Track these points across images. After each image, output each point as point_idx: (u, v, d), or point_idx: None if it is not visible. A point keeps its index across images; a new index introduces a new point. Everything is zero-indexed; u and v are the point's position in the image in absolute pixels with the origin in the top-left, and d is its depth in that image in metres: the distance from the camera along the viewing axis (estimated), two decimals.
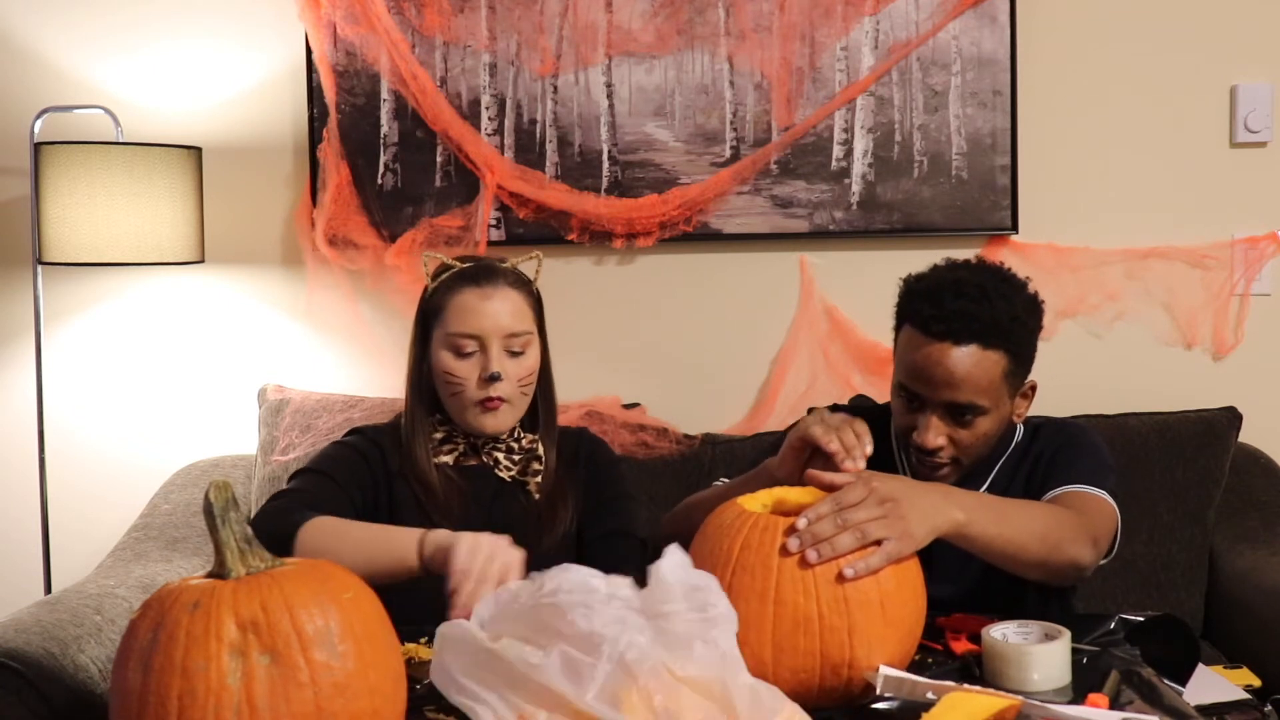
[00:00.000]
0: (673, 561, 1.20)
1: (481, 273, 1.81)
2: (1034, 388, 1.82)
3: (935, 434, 1.71)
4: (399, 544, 1.51)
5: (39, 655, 1.92)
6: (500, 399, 1.77)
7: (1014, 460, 1.84)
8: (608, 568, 1.68)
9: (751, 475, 1.73)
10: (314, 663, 1.09)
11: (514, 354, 1.79)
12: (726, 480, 1.93)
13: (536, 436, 1.85)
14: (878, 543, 1.36)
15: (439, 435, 1.83)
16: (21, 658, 1.90)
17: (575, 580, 1.18)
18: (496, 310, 1.78)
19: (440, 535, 1.49)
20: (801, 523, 1.35)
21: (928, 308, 1.71)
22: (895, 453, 1.86)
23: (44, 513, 2.64)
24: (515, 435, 1.83)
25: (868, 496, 1.39)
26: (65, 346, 2.82)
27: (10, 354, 2.84)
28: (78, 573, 2.55)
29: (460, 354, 1.78)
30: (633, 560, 1.72)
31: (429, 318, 1.83)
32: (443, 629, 1.20)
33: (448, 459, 1.83)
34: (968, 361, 1.68)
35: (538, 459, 1.83)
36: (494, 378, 1.75)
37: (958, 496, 1.52)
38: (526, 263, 1.89)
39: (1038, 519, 1.60)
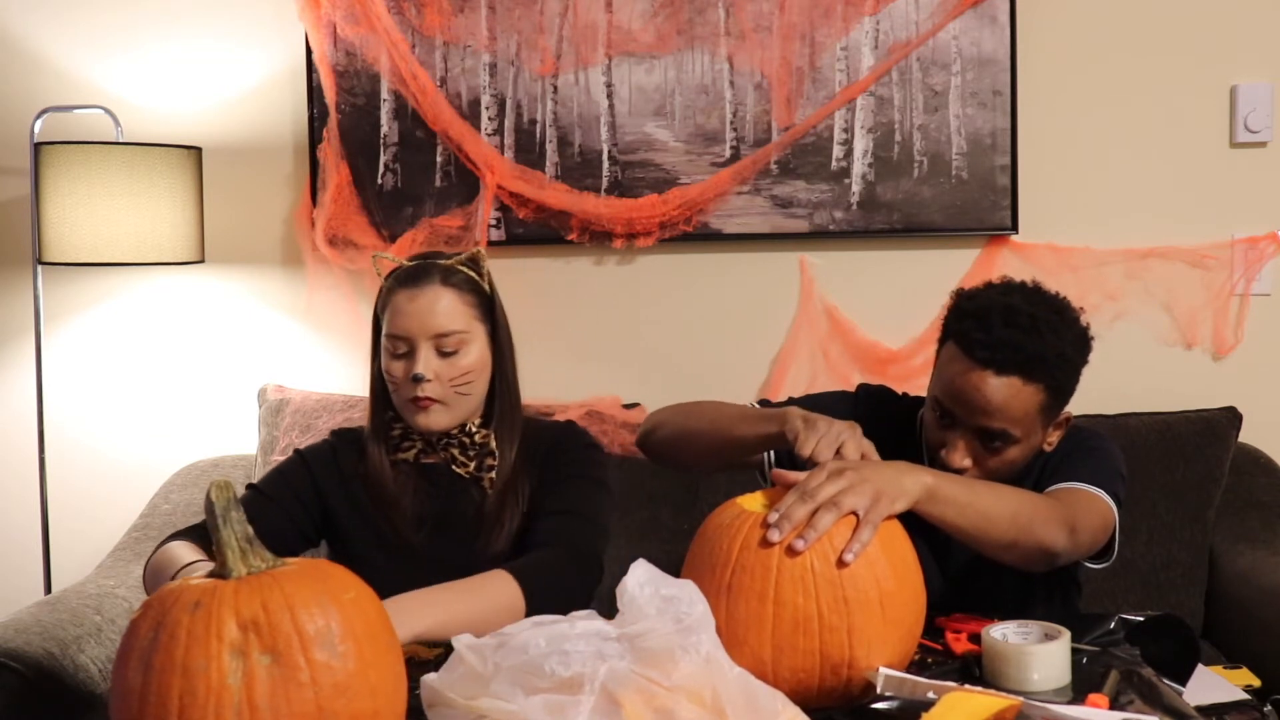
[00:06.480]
0: (638, 578, 1.19)
1: (413, 274, 1.81)
2: (1069, 419, 1.78)
3: (962, 456, 1.69)
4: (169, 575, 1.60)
5: (39, 655, 1.93)
6: (429, 399, 1.77)
7: (1030, 465, 1.83)
8: (533, 545, 1.70)
9: (771, 414, 1.70)
10: (315, 663, 1.09)
11: (445, 354, 1.78)
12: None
13: (490, 432, 1.85)
14: (856, 516, 1.37)
15: (397, 433, 1.85)
16: (21, 658, 1.90)
17: (544, 632, 1.16)
18: (423, 310, 1.77)
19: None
20: (773, 517, 1.36)
21: (975, 330, 1.67)
22: (920, 447, 1.84)
23: (44, 513, 2.64)
24: (468, 430, 1.83)
25: (828, 475, 1.41)
26: (65, 346, 2.82)
27: (10, 354, 2.84)
28: (78, 573, 2.55)
29: (394, 355, 1.79)
30: (572, 539, 1.72)
31: (379, 319, 1.85)
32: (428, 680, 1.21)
33: (408, 456, 1.84)
34: (1006, 391, 1.65)
35: (491, 454, 1.83)
36: (417, 378, 1.76)
37: (920, 469, 1.52)
38: (477, 258, 1.86)
39: (1008, 497, 1.59)
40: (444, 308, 1.78)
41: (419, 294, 1.78)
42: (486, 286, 1.85)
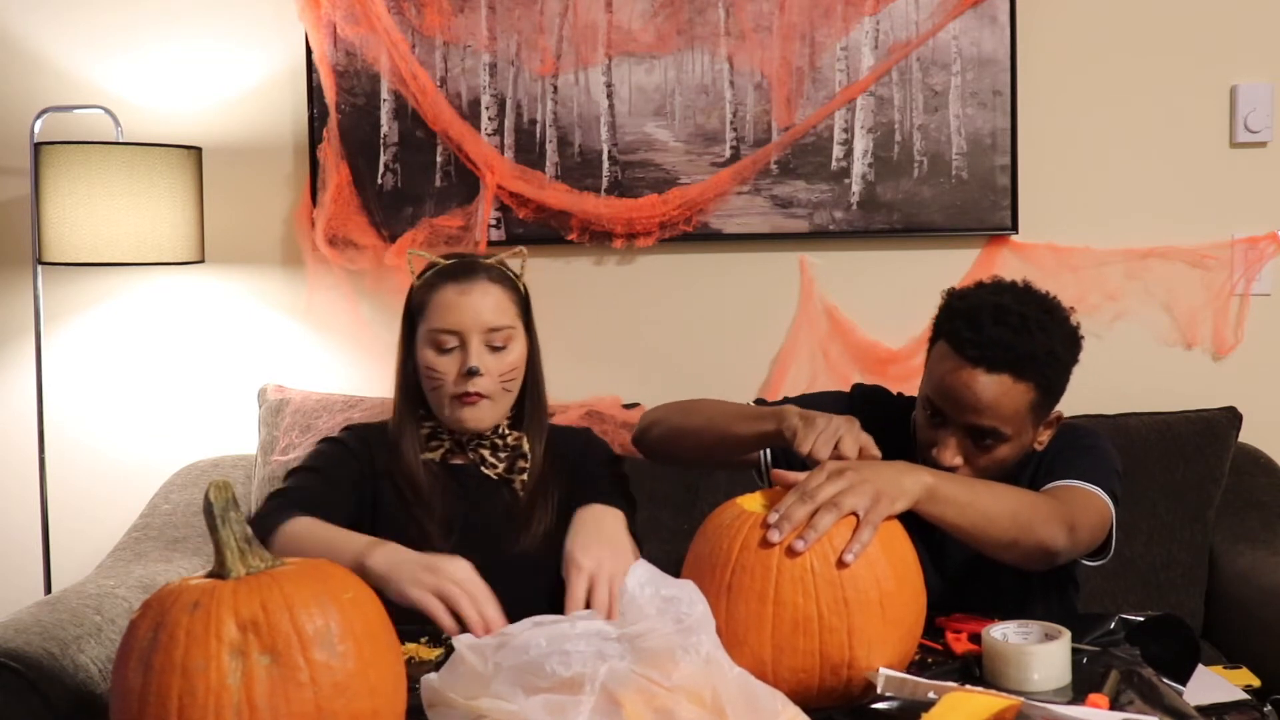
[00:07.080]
0: (639, 579, 1.20)
1: (462, 269, 1.81)
2: (1059, 418, 1.79)
3: (953, 454, 1.70)
4: (341, 553, 1.51)
5: (39, 655, 1.92)
6: (479, 394, 1.77)
7: (1024, 464, 1.83)
8: None
9: (767, 412, 1.70)
10: (314, 663, 1.09)
11: (495, 349, 1.79)
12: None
13: (522, 433, 1.85)
14: (856, 516, 1.37)
15: (425, 432, 1.84)
16: (21, 658, 1.90)
17: (544, 632, 1.17)
18: (476, 305, 1.78)
19: (381, 557, 1.50)
20: (773, 517, 1.36)
21: (965, 329, 1.68)
22: (914, 447, 1.84)
23: (44, 513, 2.64)
24: (500, 432, 1.83)
25: (828, 476, 1.41)
26: (65, 346, 2.82)
27: (10, 354, 2.84)
28: (78, 573, 2.55)
29: (441, 350, 1.79)
30: None
31: (414, 315, 1.84)
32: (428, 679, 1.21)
33: (434, 456, 1.83)
34: (996, 389, 1.66)
35: (523, 456, 1.83)
36: (472, 372, 1.76)
37: (920, 469, 1.52)
38: (512, 259, 1.89)
39: (1008, 497, 1.59)
40: (494, 303, 1.80)
41: (470, 288, 1.79)
42: (522, 287, 1.87)
